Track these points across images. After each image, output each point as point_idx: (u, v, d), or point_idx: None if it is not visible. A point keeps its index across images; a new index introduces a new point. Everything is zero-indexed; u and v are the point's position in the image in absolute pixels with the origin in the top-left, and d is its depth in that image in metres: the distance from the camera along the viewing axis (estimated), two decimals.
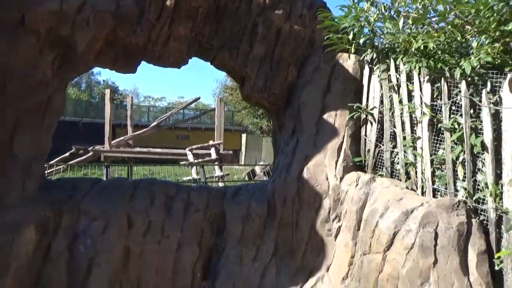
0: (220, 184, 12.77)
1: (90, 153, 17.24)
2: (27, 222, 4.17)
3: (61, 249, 4.43)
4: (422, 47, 4.15)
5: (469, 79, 3.75)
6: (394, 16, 4.86)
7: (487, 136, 3.52)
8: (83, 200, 4.67)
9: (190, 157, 15.44)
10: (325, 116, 5.20)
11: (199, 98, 22.57)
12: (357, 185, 4.54)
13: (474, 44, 3.72)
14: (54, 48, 4.28)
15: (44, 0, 4.03)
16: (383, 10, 4.82)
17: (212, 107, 36.87)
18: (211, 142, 16.95)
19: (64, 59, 4.45)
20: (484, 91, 3.58)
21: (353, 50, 5.15)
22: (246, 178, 19.74)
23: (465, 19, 3.77)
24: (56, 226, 4.47)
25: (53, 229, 4.45)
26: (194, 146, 16.54)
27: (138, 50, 4.86)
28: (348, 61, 5.36)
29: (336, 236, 4.63)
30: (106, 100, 18.02)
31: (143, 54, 4.97)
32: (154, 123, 19.42)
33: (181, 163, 15.63)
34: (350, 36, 4.98)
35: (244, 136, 32.38)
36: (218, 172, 14.35)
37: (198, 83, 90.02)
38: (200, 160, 15.58)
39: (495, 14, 3.42)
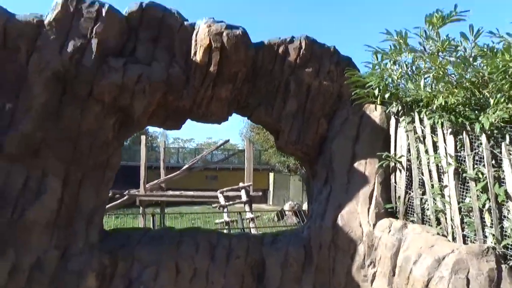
0: (252, 229, 13.08)
1: (126, 197, 17.95)
2: (89, 270, 4.65)
3: None
4: (443, 103, 4.53)
5: (489, 132, 4.08)
6: (416, 72, 5.30)
7: (510, 185, 3.80)
8: (136, 248, 5.11)
9: (221, 200, 15.89)
10: (355, 165, 5.54)
11: (228, 141, 23.38)
12: (389, 231, 4.80)
13: (491, 101, 4.08)
14: (115, 113, 4.93)
15: (109, 74, 4.71)
16: (405, 67, 5.28)
17: (239, 146, 37.66)
18: (241, 184, 17.39)
19: (122, 122, 5.08)
20: (503, 144, 3.90)
21: (379, 102, 5.58)
22: (276, 219, 19.96)
23: (481, 79, 4.17)
24: (112, 273, 4.92)
25: (110, 275, 4.90)
26: (225, 189, 17.00)
27: (185, 111, 5.45)
28: (375, 112, 5.76)
29: (372, 282, 4.86)
30: (141, 145, 18.96)
31: (188, 114, 5.56)
32: (186, 166, 20.10)
33: (213, 205, 16.08)
34: (376, 91, 5.43)
35: (271, 175, 32.66)
36: (249, 214, 14.69)
37: (225, 122, 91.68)
38: (230, 202, 16.01)
39: (507, 76, 3.80)
